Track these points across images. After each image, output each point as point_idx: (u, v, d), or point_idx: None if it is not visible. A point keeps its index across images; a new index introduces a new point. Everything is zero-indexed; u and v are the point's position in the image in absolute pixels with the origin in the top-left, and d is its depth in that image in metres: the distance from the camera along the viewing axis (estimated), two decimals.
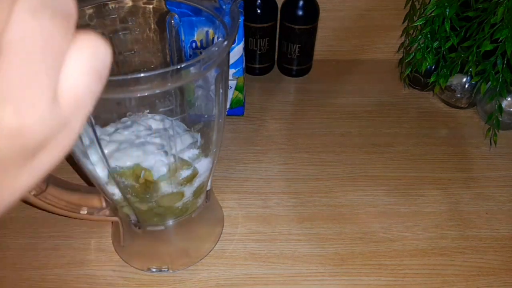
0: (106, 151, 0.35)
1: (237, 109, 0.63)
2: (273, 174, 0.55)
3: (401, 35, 0.67)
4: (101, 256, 0.46)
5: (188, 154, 0.38)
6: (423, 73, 0.62)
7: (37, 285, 0.43)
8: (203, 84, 0.35)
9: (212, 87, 0.34)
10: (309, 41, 0.69)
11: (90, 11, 0.38)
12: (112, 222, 0.47)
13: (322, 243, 0.47)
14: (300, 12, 0.65)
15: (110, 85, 0.26)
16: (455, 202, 0.52)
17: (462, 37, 0.56)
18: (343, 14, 0.72)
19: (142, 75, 0.26)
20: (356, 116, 0.65)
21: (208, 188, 0.44)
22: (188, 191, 0.39)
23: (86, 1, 0.37)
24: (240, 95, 0.61)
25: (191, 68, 0.28)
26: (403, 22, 0.66)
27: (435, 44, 0.57)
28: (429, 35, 0.57)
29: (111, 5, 0.39)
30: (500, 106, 0.54)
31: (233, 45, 0.55)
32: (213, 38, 0.45)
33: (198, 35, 0.51)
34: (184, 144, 0.38)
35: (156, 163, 0.37)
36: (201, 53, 0.42)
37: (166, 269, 0.44)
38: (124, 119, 0.40)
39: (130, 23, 0.41)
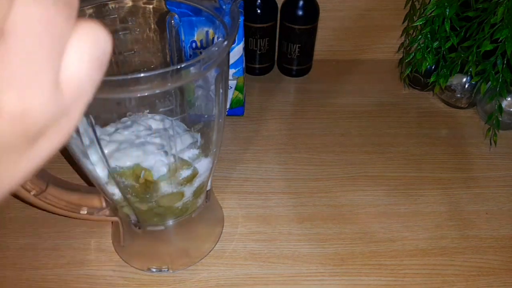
0: (106, 151, 0.35)
1: (237, 109, 0.63)
2: (273, 174, 0.55)
3: (401, 35, 0.67)
4: (101, 256, 0.46)
5: (188, 154, 0.38)
6: (423, 73, 0.62)
7: (37, 285, 0.43)
8: (203, 84, 0.35)
9: (212, 87, 0.34)
10: (309, 41, 0.69)
11: (90, 11, 0.38)
12: (112, 222, 0.47)
13: (322, 243, 0.47)
14: (300, 12, 0.65)
15: (110, 85, 0.26)
16: (455, 202, 0.52)
17: (462, 37, 0.56)
18: (343, 14, 0.72)
19: (142, 75, 0.26)
20: (356, 116, 0.65)
21: (208, 188, 0.44)
22: (188, 191, 0.39)
23: (86, 1, 0.37)
24: (240, 95, 0.61)
25: (191, 68, 0.28)
26: (403, 22, 0.66)
27: (435, 44, 0.57)
28: (429, 35, 0.57)
29: (111, 5, 0.39)
30: (500, 106, 0.54)
31: (233, 45, 0.55)
32: (213, 38, 0.45)
33: (198, 35, 0.51)
34: (184, 144, 0.38)
35: (156, 163, 0.37)
36: (201, 53, 0.42)
37: (166, 269, 0.44)
38: (124, 119, 0.40)
39: (130, 23, 0.41)
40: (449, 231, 0.49)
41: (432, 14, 0.55)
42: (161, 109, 0.34)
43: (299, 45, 0.68)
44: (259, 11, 0.66)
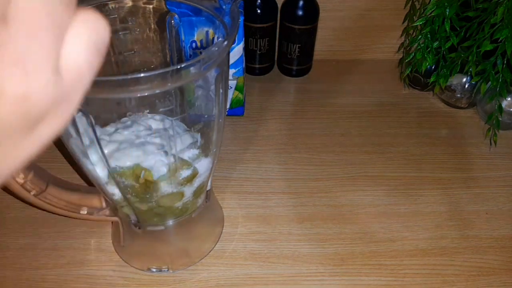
0: (106, 151, 0.35)
1: (237, 109, 0.63)
2: (273, 174, 0.55)
3: (401, 35, 0.67)
4: (101, 256, 0.46)
5: (188, 154, 0.38)
6: (423, 73, 0.62)
7: (37, 285, 0.43)
8: (203, 84, 0.35)
9: (212, 87, 0.34)
10: (309, 41, 0.69)
11: None
12: (112, 222, 0.47)
13: (322, 243, 0.47)
14: (300, 12, 0.66)
15: (110, 85, 0.26)
16: (455, 202, 0.52)
17: (462, 37, 0.56)
18: (343, 14, 0.72)
19: (142, 75, 0.26)
20: (356, 116, 0.65)
21: (208, 188, 0.44)
22: (188, 191, 0.39)
23: (86, 1, 0.37)
24: (240, 95, 0.61)
25: (191, 68, 0.28)
26: (403, 22, 0.66)
27: (435, 44, 0.57)
28: (429, 35, 0.57)
29: (111, 5, 0.39)
30: (500, 106, 0.54)
31: (233, 45, 0.55)
32: (213, 38, 0.45)
33: (198, 35, 0.51)
34: (184, 144, 0.38)
35: (156, 163, 0.37)
36: (201, 53, 0.42)
37: (166, 269, 0.44)
38: (124, 119, 0.40)
39: (130, 23, 0.41)
40: (449, 231, 0.49)
41: (432, 14, 0.55)
42: (161, 109, 0.34)
43: (299, 45, 0.68)
44: (259, 11, 0.66)
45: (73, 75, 0.14)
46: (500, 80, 0.53)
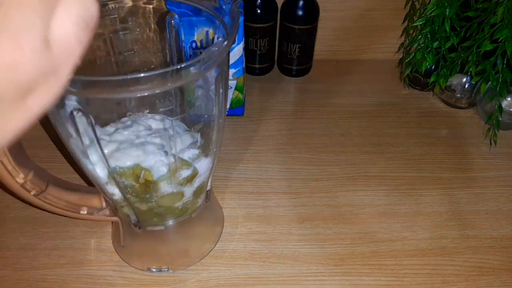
0: (106, 151, 0.35)
1: (237, 109, 0.63)
2: (273, 174, 0.55)
3: (401, 35, 0.67)
4: (101, 256, 0.46)
5: (188, 154, 0.38)
6: (423, 73, 0.62)
7: (37, 285, 0.43)
8: (203, 84, 0.35)
9: (212, 87, 0.34)
10: (309, 41, 0.69)
11: None
12: (112, 222, 0.47)
13: (322, 243, 0.47)
14: (300, 12, 0.66)
15: (110, 85, 0.26)
16: (455, 202, 0.52)
17: (462, 37, 0.56)
18: (343, 14, 0.72)
19: (142, 75, 0.26)
20: (356, 116, 0.65)
21: (208, 188, 0.44)
22: (188, 191, 0.39)
23: None
24: (240, 95, 0.61)
25: (191, 68, 0.28)
26: (403, 22, 0.66)
27: (435, 44, 0.57)
28: (429, 35, 0.57)
29: (111, 5, 0.39)
30: (500, 106, 0.54)
31: (233, 45, 0.55)
32: (213, 38, 0.45)
33: (198, 35, 0.51)
34: (184, 144, 0.38)
35: (156, 163, 0.37)
36: (201, 53, 0.42)
37: (166, 269, 0.44)
38: (124, 119, 0.40)
39: (130, 23, 0.41)
40: (449, 231, 0.49)
41: (432, 14, 0.55)
42: (161, 109, 0.34)
43: (299, 45, 0.68)
44: (259, 11, 0.66)
45: (62, 48, 0.14)
46: (500, 80, 0.53)
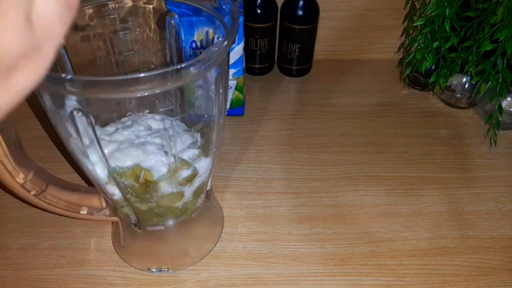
0: (106, 151, 0.35)
1: (237, 109, 0.63)
2: (273, 174, 0.55)
3: (401, 35, 0.67)
4: (101, 256, 0.46)
5: (188, 154, 0.38)
6: (423, 73, 0.62)
7: (37, 285, 0.43)
8: (203, 84, 0.35)
9: (212, 87, 0.34)
10: (309, 41, 0.69)
11: (90, 11, 0.38)
12: (112, 222, 0.47)
13: (322, 243, 0.47)
14: (300, 12, 0.66)
15: (110, 85, 0.26)
16: (455, 202, 0.52)
17: (462, 37, 0.56)
18: (343, 14, 0.72)
19: (142, 75, 0.26)
20: (356, 116, 0.65)
21: (208, 188, 0.44)
22: (188, 191, 0.39)
23: (86, 1, 0.37)
24: (240, 95, 0.61)
25: (191, 68, 0.28)
26: (403, 22, 0.66)
27: (435, 44, 0.57)
28: (429, 35, 0.57)
29: (111, 5, 0.39)
30: (500, 106, 0.54)
31: (233, 45, 0.55)
32: (213, 38, 0.45)
33: (198, 35, 0.51)
34: (184, 144, 0.38)
35: (156, 163, 0.37)
36: (201, 53, 0.42)
37: (166, 269, 0.44)
38: (124, 119, 0.40)
39: (130, 23, 0.41)
40: (449, 231, 0.49)
41: (432, 14, 0.55)
42: (161, 109, 0.34)
43: (299, 45, 0.68)
44: (259, 11, 0.66)
45: (45, 26, 0.15)
46: (500, 80, 0.53)
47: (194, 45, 0.52)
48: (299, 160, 0.57)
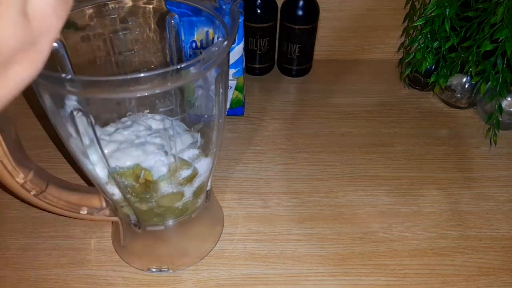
0: (106, 151, 0.35)
1: (237, 109, 0.63)
2: (273, 174, 0.55)
3: (401, 35, 0.67)
4: (101, 256, 0.46)
5: (188, 154, 0.38)
6: (423, 73, 0.62)
7: (37, 285, 0.43)
8: (203, 84, 0.35)
9: (212, 87, 0.34)
10: (309, 41, 0.69)
11: (90, 11, 0.38)
12: (112, 222, 0.47)
13: (322, 243, 0.47)
14: (300, 12, 0.66)
15: (110, 85, 0.26)
16: (455, 202, 0.52)
17: (462, 37, 0.56)
18: (343, 14, 0.72)
19: (142, 75, 0.26)
20: (356, 116, 0.65)
21: (208, 188, 0.44)
22: (188, 191, 0.39)
23: (86, 1, 0.37)
24: (240, 95, 0.61)
25: (191, 68, 0.28)
26: (403, 22, 0.66)
27: (435, 44, 0.57)
28: (429, 35, 0.57)
29: (111, 5, 0.39)
30: (500, 106, 0.54)
31: (233, 45, 0.55)
32: (213, 38, 0.45)
33: (198, 35, 0.51)
34: (184, 144, 0.38)
35: (156, 163, 0.37)
36: (201, 53, 0.42)
37: (166, 269, 0.44)
38: (124, 119, 0.40)
39: (130, 23, 0.41)
40: (449, 231, 0.49)
41: (432, 14, 0.55)
42: (161, 109, 0.34)
43: (299, 45, 0.68)
44: (259, 11, 0.66)
45: (41, 21, 0.15)
46: (500, 80, 0.53)
47: (194, 45, 0.52)
48: (299, 160, 0.57)
